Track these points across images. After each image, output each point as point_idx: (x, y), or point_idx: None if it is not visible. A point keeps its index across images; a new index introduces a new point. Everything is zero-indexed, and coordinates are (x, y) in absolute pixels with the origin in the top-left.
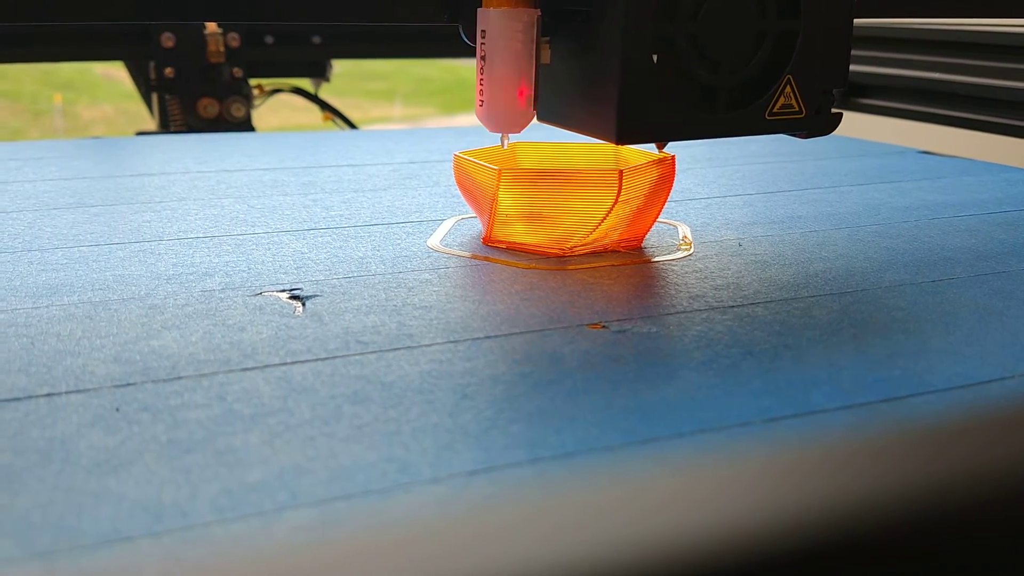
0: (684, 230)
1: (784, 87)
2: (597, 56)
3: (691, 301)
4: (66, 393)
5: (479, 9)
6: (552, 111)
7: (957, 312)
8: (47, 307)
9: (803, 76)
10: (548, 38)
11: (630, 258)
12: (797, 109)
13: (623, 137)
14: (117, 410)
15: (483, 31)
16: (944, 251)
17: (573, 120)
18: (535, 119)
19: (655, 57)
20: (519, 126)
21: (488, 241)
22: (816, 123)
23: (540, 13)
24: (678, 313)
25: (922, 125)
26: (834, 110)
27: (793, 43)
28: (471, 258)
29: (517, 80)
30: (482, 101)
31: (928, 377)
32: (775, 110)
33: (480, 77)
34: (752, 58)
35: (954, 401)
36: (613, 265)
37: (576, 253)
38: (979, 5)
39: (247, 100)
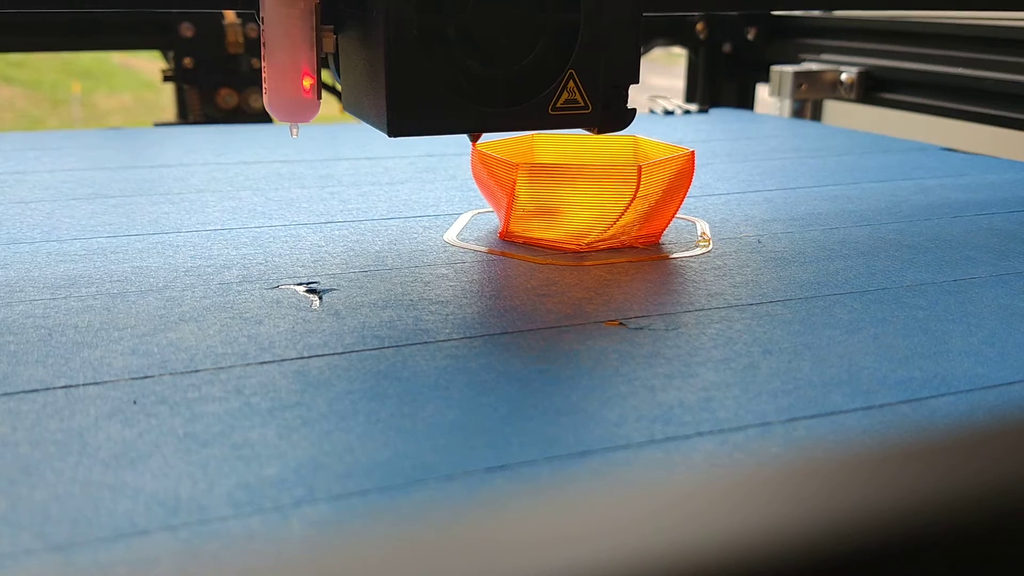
0: (703, 226)
1: (567, 82)
2: (373, 48)
3: (709, 299)
4: (83, 385)
5: None
6: (353, 103)
7: (979, 312)
8: (65, 298)
9: (587, 71)
10: (331, 27)
11: (648, 254)
12: (583, 104)
13: (394, 130)
14: (135, 403)
15: (263, 18)
16: (966, 250)
17: (365, 112)
18: (342, 110)
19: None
20: (305, 116)
21: (505, 236)
22: (604, 119)
23: (319, 1)
24: (696, 311)
25: (945, 121)
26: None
27: (575, 37)
28: (488, 253)
29: (298, 68)
30: (266, 89)
31: (949, 378)
32: (559, 105)
33: (264, 64)
34: (530, 51)
35: (976, 403)
36: (631, 261)
37: (594, 249)
38: None
39: None
